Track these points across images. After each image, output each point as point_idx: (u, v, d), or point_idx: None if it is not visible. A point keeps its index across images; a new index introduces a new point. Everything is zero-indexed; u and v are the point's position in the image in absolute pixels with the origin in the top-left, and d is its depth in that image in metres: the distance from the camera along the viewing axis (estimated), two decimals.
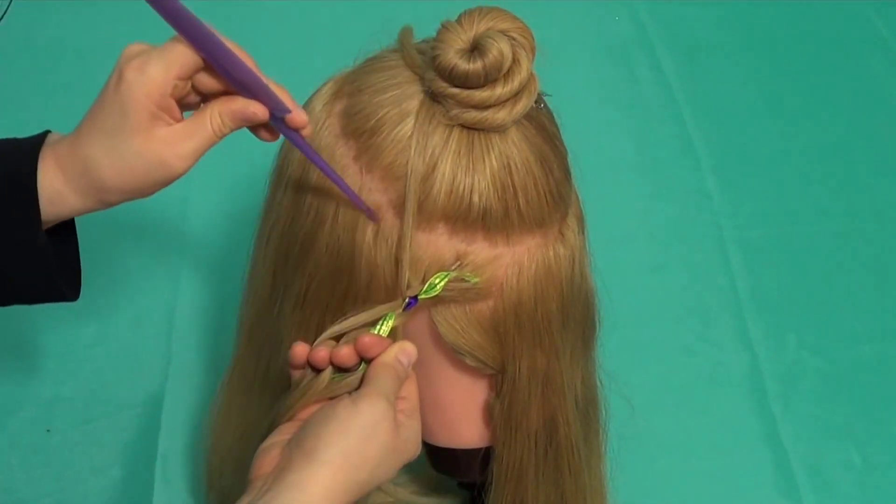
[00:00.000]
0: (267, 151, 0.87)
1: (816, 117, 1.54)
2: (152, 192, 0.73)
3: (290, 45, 1.52)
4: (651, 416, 1.16)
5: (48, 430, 1.14)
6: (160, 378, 1.19)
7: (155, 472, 1.11)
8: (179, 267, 1.28)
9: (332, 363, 0.76)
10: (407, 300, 0.77)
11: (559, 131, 0.81)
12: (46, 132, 0.74)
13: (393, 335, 0.78)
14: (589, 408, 0.91)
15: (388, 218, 0.77)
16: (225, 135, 0.73)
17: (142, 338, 1.22)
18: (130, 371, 1.19)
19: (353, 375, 0.76)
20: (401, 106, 0.76)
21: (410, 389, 0.77)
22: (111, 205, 0.73)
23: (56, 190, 0.71)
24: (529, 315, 0.79)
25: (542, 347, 0.81)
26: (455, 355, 0.81)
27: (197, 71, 0.71)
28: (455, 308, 0.79)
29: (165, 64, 0.70)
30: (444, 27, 0.75)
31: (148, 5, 0.68)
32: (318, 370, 0.77)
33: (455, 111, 0.74)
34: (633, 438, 1.11)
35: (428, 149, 0.75)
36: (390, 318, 0.77)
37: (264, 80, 0.72)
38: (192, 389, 1.18)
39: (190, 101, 0.74)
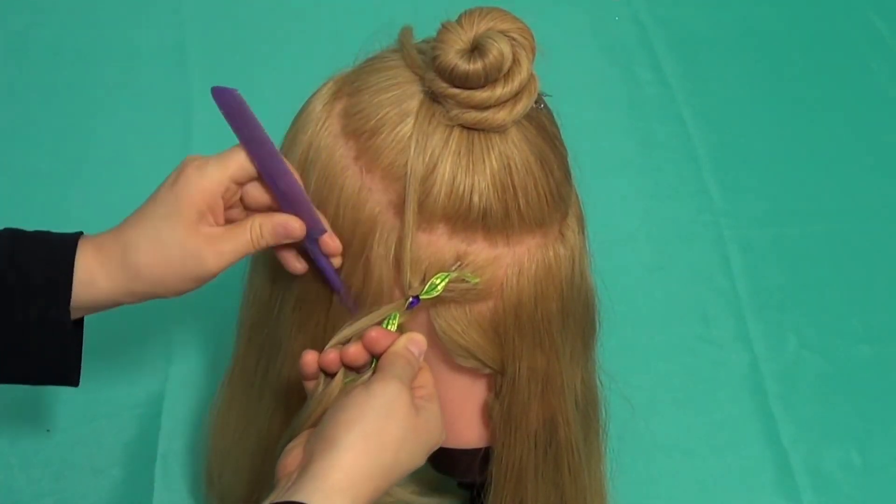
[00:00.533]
0: None
1: (816, 117, 1.54)
2: (178, 290, 0.77)
3: (290, 44, 1.53)
4: (651, 416, 1.16)
5: (48, 430, 1.14)
6: (160, 378, 1.19)
7: (155, 472, 1.11)
8: None
9: (343, 364, 0.76)
10: (409, 300, 0.77)
11: (559, 131, 0.81)
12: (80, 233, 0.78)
13: (399, 332, 0.78)
14: (589, 408, 0.91)
15: (389, 218, 0.77)
16: (261, 247, 0.77)
17: (142, 338, 1.22)
18: (130, 371, 1.19)
19: (365, 375, 0.76)
20: (401, 106, 0.76)
21: (426, 378, 0.78)
22: (136, 296, 0.77)
23: (89, 271, 0.75)
24: (529, 315, 0.79)
25: (541, 348, 0.81)
26: (455, 356, 0.81)
27: (250, 179, 0.77)
28: (455, 308, 0.79)
29: (223, 166, 0.76)
30: (445, 27, 0.75)
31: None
32: (330, 374, 0.77)
33: (455, 111, 0.74)
34: (633, 438, 1.11)
35: (428, 149, 0.75)
36: (395, 318, 0.77)
37: (307, 197, 0.77)
38: (192, 389, 1.18)
39: (234, 216, 0.79)
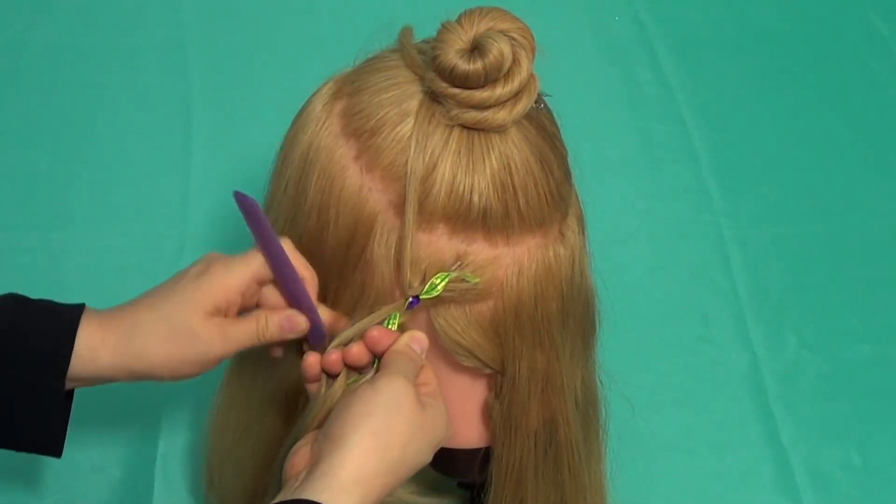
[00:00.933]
0: (268, 148, 0.87)
1: (816, 117, 1.54)
2: (178, 374, 0.78)
3: (291, 44, 1.53)
4: (651, 416, 1.16)
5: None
6: None
7: (155, 472, 1.11)
8: (179, 265, 1.28)
9: (346, 365, 0.76)
10: (409, 300, 0.77)
11: (559, 131, 0.81)
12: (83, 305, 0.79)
13: (400, 331, 0.78)
14: (589, 408, 0.91)
15: (389, 218, 0.77)
16: (265, 339, 0.79)
17: None
18: None
19: (368, 374, 0.76)
20: (401, 106, 0.76)
21: (429, 375, 0.78)
22: (134, 375, 0.78)
23: (91, 346, 0.76)
24: (529, 315, 0.79)
25: (541, 347, 0.81)
26: (455, 355, 0.81)
27: (270, 280, 0.79)
28: (455, 308, 0.79)
29: (247, 265, 0.78)
30: (445, 27, 0.75)
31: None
32: (333, 375, 0.77)
33: (455, 111, 0.74)
34: (633, 438, 1.11)
35: (428, 149, 0.75)
36: (395, 318, 0.77)
37: (314, 305, 0.79)
38: (191, 389, 1.18)
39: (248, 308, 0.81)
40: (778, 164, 1.48)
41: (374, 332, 0.76)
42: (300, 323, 0.79)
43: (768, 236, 1.39)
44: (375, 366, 0.77)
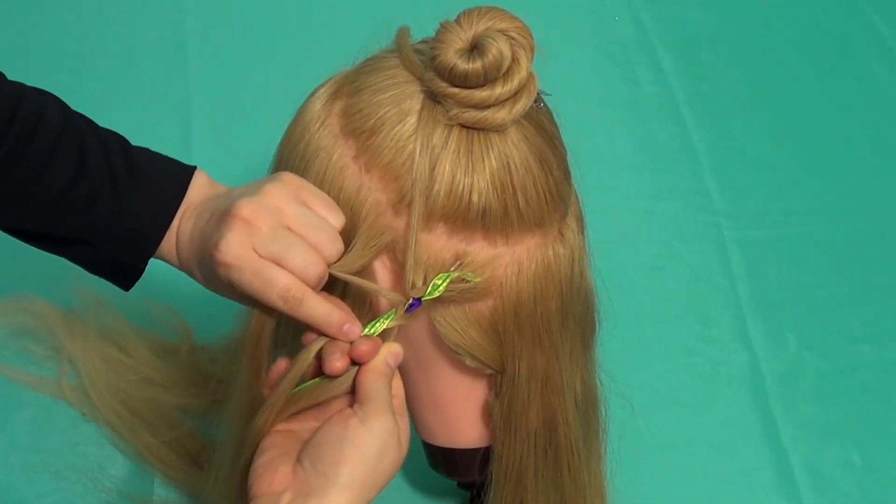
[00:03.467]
0: (267, 148, 0.87)
1: (816, 117, 1.54)
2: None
3: (290, 44, 1.53)
4: (651, 416, 1.16)
5: (48, 430, 1.14)
6: None
7: (155, 471, 1.11)
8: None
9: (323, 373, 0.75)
10: (410, 301, 0.77)
11: (559, 131, 0.81)
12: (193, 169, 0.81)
13: (385, 334, 0.76)
14: (589, 408, 0.91)
15: (387, 218, 0.77)
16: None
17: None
18: None
19: (341, 379, 0.75)
20: (400, 105, 0.76)
21: (396, 385, 0.76)
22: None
23: (174, 247, 0.79)
24: (529, 314, 0.79)
25: (541, 347, 0.81)
26: (455, 355, 0.81)
27: None
28: (454, 308, 0.79)
29: None
30: (444, 27, 0.75)
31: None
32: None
33: (454, 111, 0.74)
34: (632, 438, 1.11)
35: (427, 149, 0.75)
36: (389, 317, 0.77)
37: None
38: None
39: None
40: (778, 164, 1.48)
41: (363, 347, 0.73)
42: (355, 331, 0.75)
43: (768, 236, 1.39)
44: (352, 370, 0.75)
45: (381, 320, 0.76)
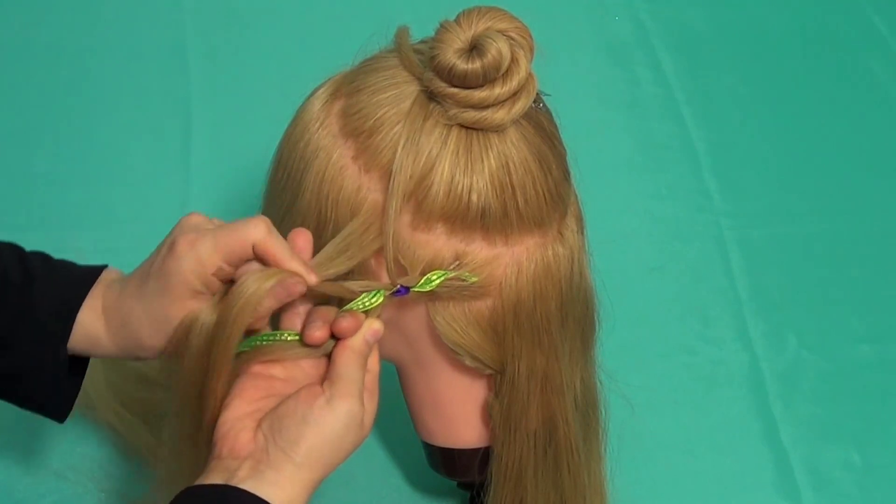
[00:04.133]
0: (267, 148, 0.87)
1: (816, 117, 1.54)
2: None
3: (290, 44, 1.53)
4: (651, 416, 1.16)
5: (48, 430, 1.14)
6: None
7: (155, 471, 1.11)
8: None
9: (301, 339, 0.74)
10: (397, 287, 0.76)
11: (558, 131, 0.81)
12: (104, 267, 0.78)
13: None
14: (588, 408, 0.91)
15: (401, 227, 0.77)
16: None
17: None
18: None
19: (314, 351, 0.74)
20: (399, 106, 0.76)
21: (373, 361, 0.76)
22: (142, 360, 0.77)
23: (95, 336, 0.75)
24: (528, 314, 0.79)
25: (541, 347, 0.81)
26: (454, 355, 0.81)
27: (243, 261, 0.73)
28: (454, 308, 0.79)
29: (214, 246, 0.72)
30: (443, 27, 0.75)
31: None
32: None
33: (453, 111, 0.74)
34: (632, 438, 1.11)
35: (424, 149, 0.75)
36: (375, 296, 0.76)
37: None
38: None
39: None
40: (778, 163, 1.48)
41: (344, 323, 0.72)
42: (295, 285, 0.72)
43: (768, 236, 1.39)
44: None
45: (366, 298, 0.75)
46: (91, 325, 0.76)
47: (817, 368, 1.26)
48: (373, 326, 0.74)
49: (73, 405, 0.80)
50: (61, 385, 0.78)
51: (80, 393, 1.04)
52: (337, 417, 0.71)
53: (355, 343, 0.73)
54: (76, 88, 1.45)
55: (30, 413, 1.16)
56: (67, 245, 1.27)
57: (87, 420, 1.14)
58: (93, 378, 1.13)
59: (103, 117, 1.42)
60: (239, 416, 0.72)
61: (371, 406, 0.74)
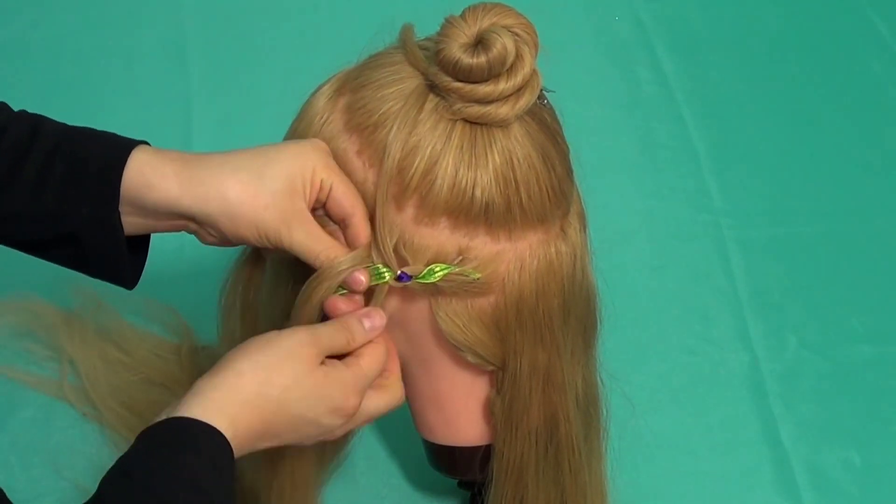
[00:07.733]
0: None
1: (816, 117, 1.54)
2: (238, 233, 0.76)
3: (291, 43, 1.53)
4: (651, 416, 1.16)
5: (48, 430, 1.14)
6: None
7: None
8: (179, 265, 1.28)
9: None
10: (399, 273, 0.77)
11: (561, 128, 0.81)
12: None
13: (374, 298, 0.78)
14: (590, 407, 0.91)
15: (390, 212, 0.77)
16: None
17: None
18: None
19: None
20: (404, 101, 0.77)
21: (394, 365, 0.79)
22: (196, 217, 0.76)
23: (158, 174, 0.75)
24: (531, 311, 0.79)
25: (543, 344, 0.81)
26: (456, 351, 0.81)
27: (321, 206, 0.78)
28: (457, 303, 0.79)
29: (343, 181, 0.78)
30: (449, 22, 0.75)
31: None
32: None
33: (458, 105, 0.74)
34: (633, 438, 1.11)
35: (426, 144, 0.75)
36: (384, 275, 0.77)
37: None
38: None
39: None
40: (778, 163, 1.48)
41: (340, 304, 0.75)
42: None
43: (768, 236, 1.39)
44: None
45: (376, 273, 0.77)
46: (148, 165, 0.76)
47: (817, 368, 1.26)
48: (370, 311, 0.77)
49: (140, 272, 0.81)
50: (120, 249, 0.77)
51: (80, 393, 1.04)
52: (280, 335, 0.72)
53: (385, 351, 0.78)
54: (76, 88, 1.45)
55: (30, 413, 1.17)
56: None
57: (88, 420, 1.14)
58: (94, 379, 1.13)
59: (103, 117, 1.41)
60: None
61: (348, 373, 0.74)
